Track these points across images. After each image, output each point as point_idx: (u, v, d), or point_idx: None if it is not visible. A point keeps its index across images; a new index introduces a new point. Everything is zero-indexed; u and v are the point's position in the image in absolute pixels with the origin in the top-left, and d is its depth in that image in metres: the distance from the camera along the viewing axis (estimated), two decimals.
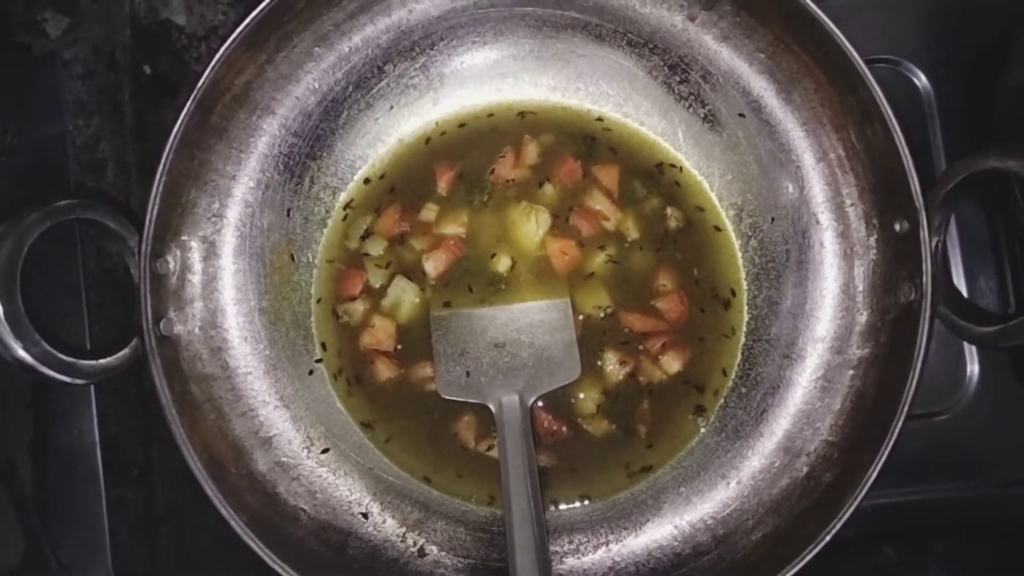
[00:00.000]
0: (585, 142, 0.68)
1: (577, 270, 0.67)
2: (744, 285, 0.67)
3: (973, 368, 0.68)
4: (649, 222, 0.67)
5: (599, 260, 0.67)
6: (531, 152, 0.68)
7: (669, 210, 0.67)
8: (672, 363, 0.66)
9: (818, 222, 0.64)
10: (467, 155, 0.68)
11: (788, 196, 0.65)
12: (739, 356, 0.67)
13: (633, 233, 0.67)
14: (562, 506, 0.66)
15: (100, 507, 0.66)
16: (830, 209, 0.63)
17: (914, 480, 0.68)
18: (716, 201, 0.68)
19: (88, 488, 0.67)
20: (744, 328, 0.67)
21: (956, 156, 0.68)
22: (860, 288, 0.62)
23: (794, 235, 0.65)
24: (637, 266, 0.67)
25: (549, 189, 0.67)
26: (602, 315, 0.66)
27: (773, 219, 0.66)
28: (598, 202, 0.67)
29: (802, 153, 0.64)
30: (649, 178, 0.68)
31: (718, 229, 0.68)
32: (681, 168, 0.68)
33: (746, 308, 0.67)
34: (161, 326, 0.57)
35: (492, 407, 0.62)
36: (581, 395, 0.66)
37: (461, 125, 0.69)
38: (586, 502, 0.66)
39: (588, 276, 0.67)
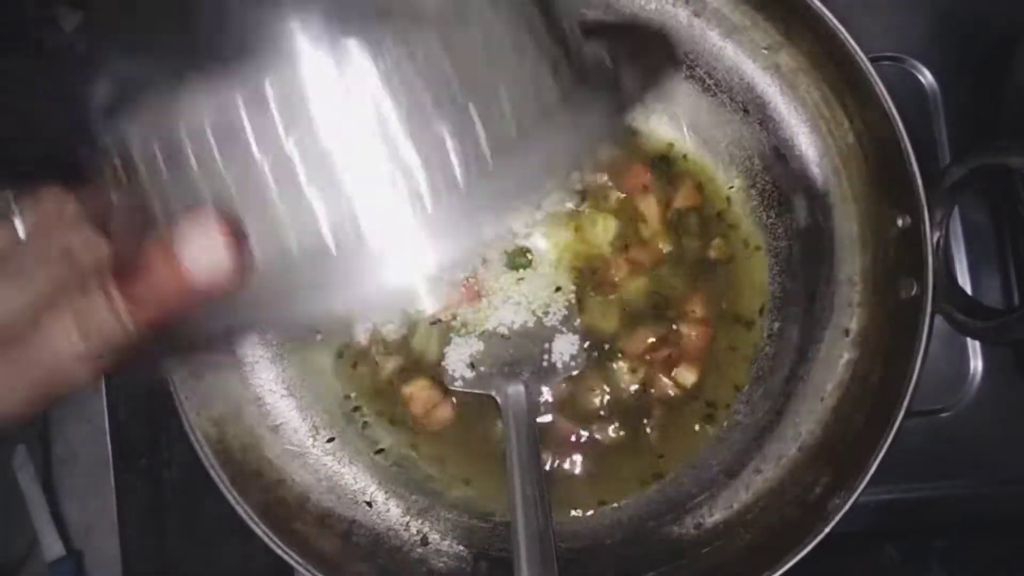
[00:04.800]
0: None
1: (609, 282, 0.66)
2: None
3: (976, 365, 0.68)
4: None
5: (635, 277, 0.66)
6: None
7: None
8: (686, 376, 0.65)
9: (821, 218, 0.64)
10: None
11: (791, 193, 0.66)
12: (752, 366, 0.66)
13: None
14: (572, 512, 0.65)
15: (109, 494, 0.67)
16: (833, 205, 0.64)
17: (916, 477, 0.68)
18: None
19: (98, 476, 0.67)
20: (761, 338, 0.66)
21: (961, 154, 0.68)
22: (862, 284, 0.62)
23: (797, 231, 0.65)
24: (670, 286, 0.67)
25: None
26: (618, 328, 0.66)
27: (776, 215, 0.66)
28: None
29: (805, 149, 0.64)
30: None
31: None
32: (686, 156, 0.68)
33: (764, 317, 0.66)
34: None
35: (498, 398, 0.63)
36: (595, 400, 0.66)
37: None
38: (600, 507, 0.65)
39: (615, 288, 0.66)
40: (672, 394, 0.65)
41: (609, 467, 0.65)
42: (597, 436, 0.66)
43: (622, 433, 0.65)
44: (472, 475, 0.65)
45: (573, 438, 0.65)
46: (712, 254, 0.67)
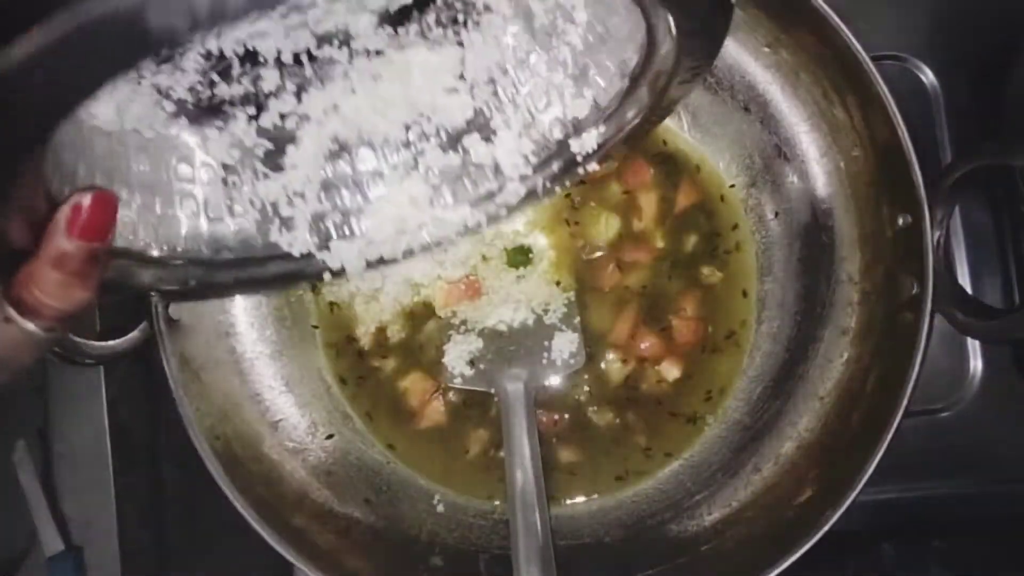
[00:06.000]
0: None
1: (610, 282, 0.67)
2: (753, 291, 0.67)
3: (976, 364, 0.68)
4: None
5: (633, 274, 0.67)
6: None
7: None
8: (672, 371, 0.66)
9: (821, 216, 0.64)
10: None
11: (792, 191, 0.66)
12: (748, 365, 0.67)
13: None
14: (565, 501, 0.66)
15: (108, 490, 0.67)
16: (833, 203, 0.64)
17: (915, 477, 0.68)
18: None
19: (97, 472, 0.67)
20: (751, 337, 0.67)
21: (962, 153, 0.68)
22: (862, 283, 0.62)
23: (797, 230, 0.66)
24: (667, 283, 0.67)
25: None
26: (615, 324, 0.66)
27: (776, 214, 0.66)
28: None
29: (806, 148, 0.64)
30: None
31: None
32: (687, 154, 0.68)
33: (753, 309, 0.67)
34: (169, 310, 0.58)
35: (497, 395, 0.63)
36: (587, 389, 0.66)
37: None
38: (588, 497, 0.66)
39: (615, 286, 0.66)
40: (661, 389, 0.66)
41: (597, 459, 0.66)
42: (586, 428, 0.66)
43: (616, 421, 0.66)
44: (468, 473, 0.66)
45: (563, 430, 0.66)
46: (710, 252, 0.67)
